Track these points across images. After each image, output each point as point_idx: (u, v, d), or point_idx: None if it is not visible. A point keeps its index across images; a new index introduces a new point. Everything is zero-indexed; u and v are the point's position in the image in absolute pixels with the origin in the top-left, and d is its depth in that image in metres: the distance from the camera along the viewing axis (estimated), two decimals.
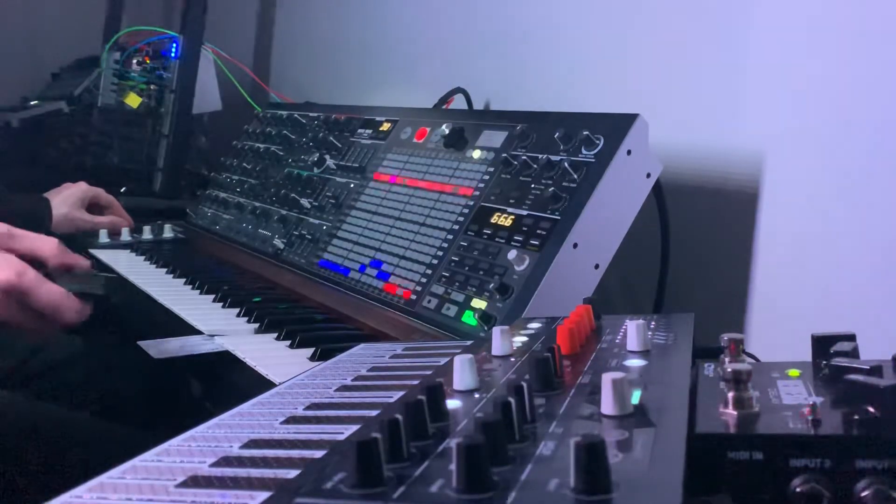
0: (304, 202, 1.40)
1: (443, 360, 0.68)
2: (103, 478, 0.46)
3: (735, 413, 0.49)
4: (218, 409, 0.59)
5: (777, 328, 1.07)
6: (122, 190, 1.94)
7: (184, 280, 1.32)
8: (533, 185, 1.02)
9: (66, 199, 1.63)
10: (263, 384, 0.85)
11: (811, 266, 1.04)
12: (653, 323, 0.70)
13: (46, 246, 0.92)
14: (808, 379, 0.57)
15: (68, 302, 0.88)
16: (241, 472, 0.46)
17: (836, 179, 1.01)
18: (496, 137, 1.13)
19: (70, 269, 0.92)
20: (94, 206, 1.70)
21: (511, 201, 1.03)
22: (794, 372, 0.58)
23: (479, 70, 1.61)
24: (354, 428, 0.52)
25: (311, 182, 1.44)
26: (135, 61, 2.08)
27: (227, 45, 2.20)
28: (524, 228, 0.98)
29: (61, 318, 0.88)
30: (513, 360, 0.64)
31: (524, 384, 0.46)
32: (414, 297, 1.05)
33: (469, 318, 0.95)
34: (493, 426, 0.40)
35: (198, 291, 1.25)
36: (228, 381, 0.95)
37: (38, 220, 1.62)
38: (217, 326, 1.04)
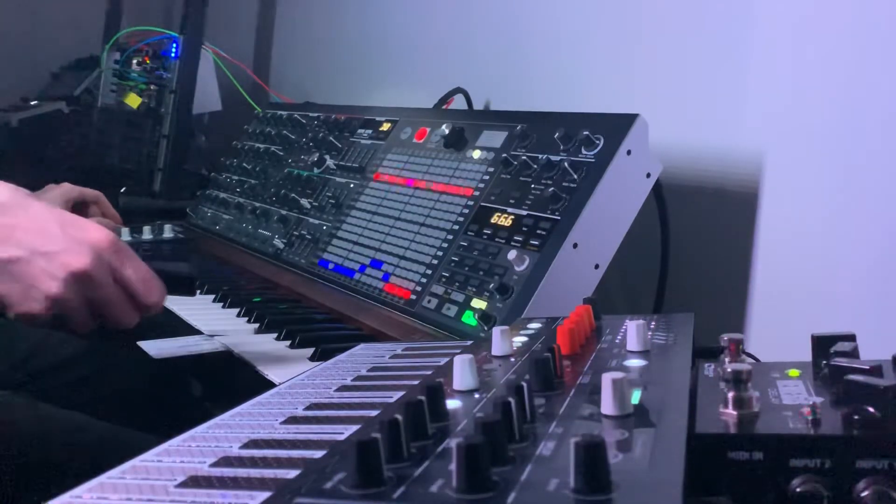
0: (304, 202, 1.40)
1: (443, 360, 0.68)
2: (103, 478, 0.46)
3: (735, 413, 0.49)
4: (218, 409, 0.59)
5: (777, 328, 1.07)
6: (122, 190, 1.94)
7: None
8: (533, 185, 1.02)
9: (50, 202, 1.61)
10: (263, 384, 0.85)
11: (811, 266, 1.04)
12: (653, 323, 0.70)
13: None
14: (808, 379, 0.57)
15: (155, 280, 0.85)
16: (241, 472, 0.46)
17: (836, 179, 1.01)
18: (496, 137, 1.13)
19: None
20: (80, 206, 1.69)
21: (511, 201, 1.03)
22: (794, 372, 0.58)
23: (479, 70, 1.61)
24: (354, 428, 0.52)
25: (311, 182, 1.44)
26: (135, 61, 2.08)
27: (227, 45, 2.20)
28: (524, 228, 0.98)
29: (146, 296, 0.84)
30: (513, 360, 0.64)
31: (524, 384, 0.46)
32: (414, 297, 1.05)
33: (469, 318, 0.95)
34: (493, 426, 0.40)
35: (198, 291, 1.25)
36: (228, 381, 0.95)
37: None
38: (217, 326, 1.04)
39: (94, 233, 0.80)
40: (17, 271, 0.77)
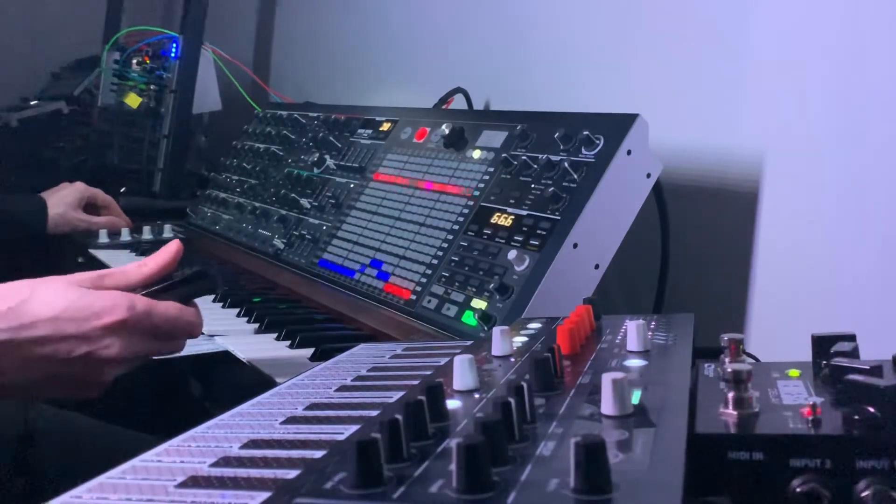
0: (304, 202, 1.40)
1: (443, 360, 0.68)
2: (103, 478, 0.46)
3: (735, 413, 0.49)
4: (218, 409, 0.59)
5: (777, 328, 1.07)
6: (122, 190, 1.94)
7: None
8: (533, 185, 1.02)
9: (62, 199, 1.64)
10: (263, 384, 0.85)
11: (811, 266, 1.04)
12: (653, 323, 0.70)
13: (132, 274, 0.84)
14: (808, 379, 0.57)
15: (186, 315, 0.82)
16: (241, 472, 0.46)
17: (836, 179, 1.01)
18: (496, 137, 1.13)
19: (167, 268, 0.85)
20: (91, 206, 1.71)
21: (511, 201, 1.03)
22: (794, 372, 0.58)
23: (479, 70, 1.61)
24: (354, 428, 0.52)
25: (311, 182, 1.44)
26: (135, 61, 2.08)
27: (227, 45, 2.20)
28: (524, 228, 0.98)
29: (185, 334, 0.84)
30: (513, 360, 0.64)
31: (524, 384, 0.46)
32: (414, 297, 1.05)
33: (469, 318, 0.95)
34: (493, 426, 0.40)
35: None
36: (228, 381, 0.95)
37: (35, 220, 1.62)
38: (217, 326, 1.04)
39: (104, 318, 0.78)
40: (68, 374, 0.79)
